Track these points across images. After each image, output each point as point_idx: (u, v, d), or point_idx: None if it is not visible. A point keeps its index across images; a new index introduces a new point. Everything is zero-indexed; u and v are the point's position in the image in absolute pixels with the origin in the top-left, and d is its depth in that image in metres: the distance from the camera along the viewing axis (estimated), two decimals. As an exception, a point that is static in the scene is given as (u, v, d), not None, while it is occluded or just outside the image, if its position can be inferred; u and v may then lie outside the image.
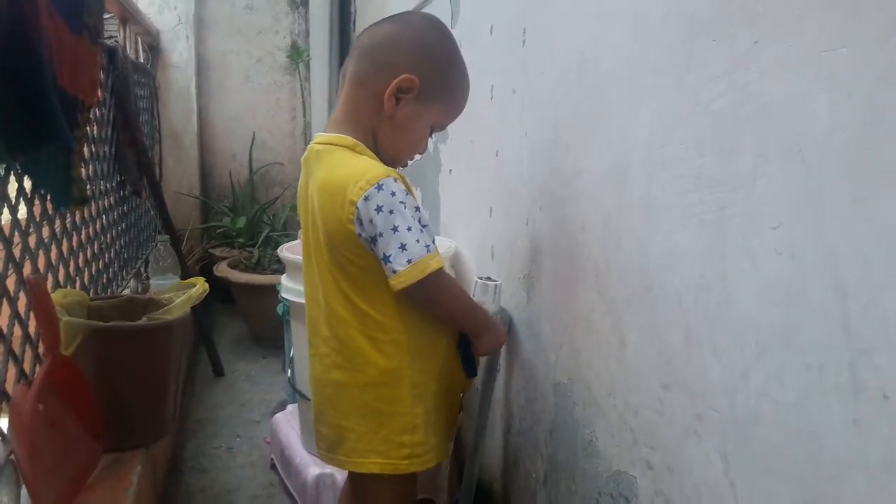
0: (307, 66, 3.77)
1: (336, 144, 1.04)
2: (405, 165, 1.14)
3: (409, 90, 1.03)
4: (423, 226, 1.00)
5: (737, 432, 0.68)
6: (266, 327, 2.94)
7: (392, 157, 1.09)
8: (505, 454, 1.41)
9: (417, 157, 1.15)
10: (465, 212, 1.69)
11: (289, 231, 3.43)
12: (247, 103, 3.84)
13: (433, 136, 1.15)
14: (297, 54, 3.78)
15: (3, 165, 1.18)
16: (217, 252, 3.45)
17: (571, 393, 1.07)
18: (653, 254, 0.84)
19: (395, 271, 0.97)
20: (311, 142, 1.09)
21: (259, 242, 3.30)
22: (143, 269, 2.54)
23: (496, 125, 1.42)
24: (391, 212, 0.96)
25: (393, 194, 0.97)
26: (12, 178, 1.24)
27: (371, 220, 0.96)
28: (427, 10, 1.91)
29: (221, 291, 3.08)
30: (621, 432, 0.92)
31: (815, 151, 0.58)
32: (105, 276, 1.97)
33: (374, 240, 0.98)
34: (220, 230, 3.59)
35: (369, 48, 1.06)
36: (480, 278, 1.27)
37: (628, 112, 0.89)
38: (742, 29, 0.67)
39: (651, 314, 0.84)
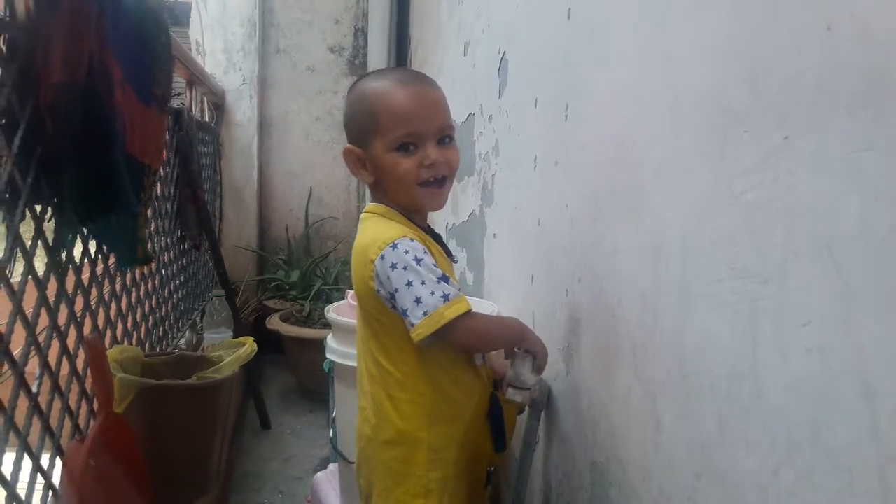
0: (363, 125, 3.89)
1: (372, 212, 1.15)
2: (432, 199, 1.12)
3: (355, 156, 1.13)
4: (442, 278, 1.03)
5: (769, 530, 0.67)
6: (314, 381, 2.97)
7: (410, 204, 1.13)
8: (543, 528, 1.39)
9: (434, 184, 1.11)
10: (507, 277, 1.71)
11: (340, 285, 3.50)
12: (305, 160, 3.98)
13: (441, 149, 1.09)
14: (355, 114, 3.90)
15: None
16: (270, 304, 3.54)
17: (608, 473, 1.05)
18: (688, 338, 0.83)
19: (412, 324, 1.01)
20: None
21: (311, 295, 3.37)
22: (198, 319, 2.62)
23: (539, 194, 1.44)
24: (405, 268, 1.02)
25: (406, 252, 1.02)
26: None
27: (388, 277, 1.02)
28: (465, 79, 1.97)
29: (272, 342, 3.15)
30: (656, 519, 0.90)
31: (843, 251, 0.58)
32: (161, 328, 2.04)
33: (392, 297, 1.03)
34: (275, 283, 3.68)
35: None
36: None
37: (664, 195, 0.90)
38: (773, 124, 0.68)
39: (686, 399, 0.83)
